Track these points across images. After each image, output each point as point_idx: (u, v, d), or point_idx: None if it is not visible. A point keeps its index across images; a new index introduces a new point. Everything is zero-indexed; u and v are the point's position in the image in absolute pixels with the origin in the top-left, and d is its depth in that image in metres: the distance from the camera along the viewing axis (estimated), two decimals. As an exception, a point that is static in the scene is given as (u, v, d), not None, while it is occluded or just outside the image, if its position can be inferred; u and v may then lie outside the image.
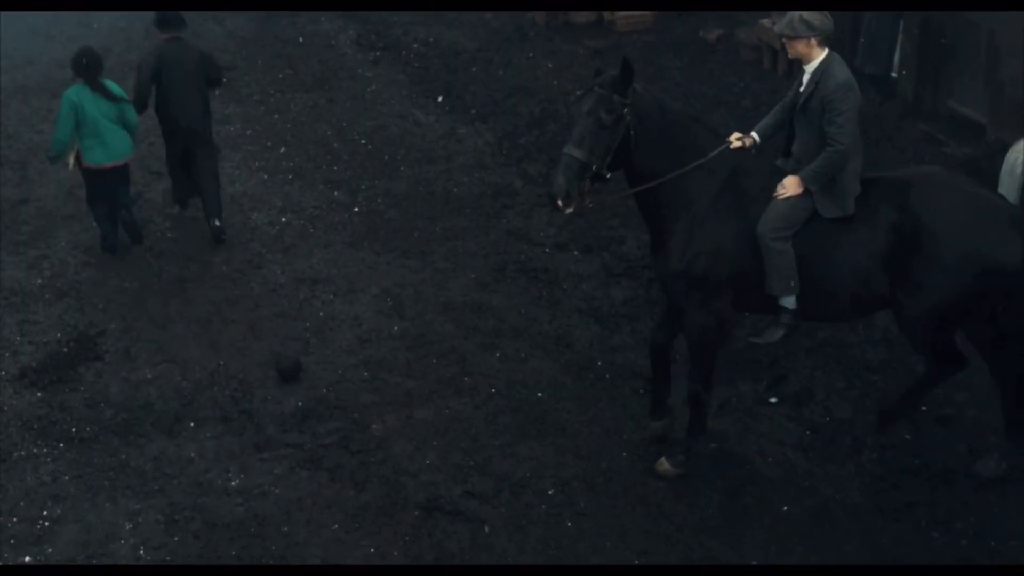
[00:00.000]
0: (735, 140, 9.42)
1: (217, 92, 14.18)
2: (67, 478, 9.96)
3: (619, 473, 9.86)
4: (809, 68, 9.35)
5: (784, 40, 9.45)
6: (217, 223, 12.94)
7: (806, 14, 9.27)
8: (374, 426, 10.41)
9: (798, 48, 9.32)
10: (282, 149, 15.13)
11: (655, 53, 16.99)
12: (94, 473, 10.01)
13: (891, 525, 9.33)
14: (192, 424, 10.51)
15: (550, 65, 17.00)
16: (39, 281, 12.50)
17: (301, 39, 18.51)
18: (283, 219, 13.53)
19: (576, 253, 12.77)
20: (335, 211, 13.74)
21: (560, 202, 8.88)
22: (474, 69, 17.14)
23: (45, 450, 10.26)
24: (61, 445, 10.31)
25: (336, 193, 14.11)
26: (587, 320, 11.70)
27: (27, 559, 9.19)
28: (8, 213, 13.73)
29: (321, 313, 11.94)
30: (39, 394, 10.90)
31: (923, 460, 9.86)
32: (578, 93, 9.23)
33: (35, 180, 14.46)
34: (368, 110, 16.20)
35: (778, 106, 9.78)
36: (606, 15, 17.75)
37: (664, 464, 9.84)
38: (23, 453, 10.23)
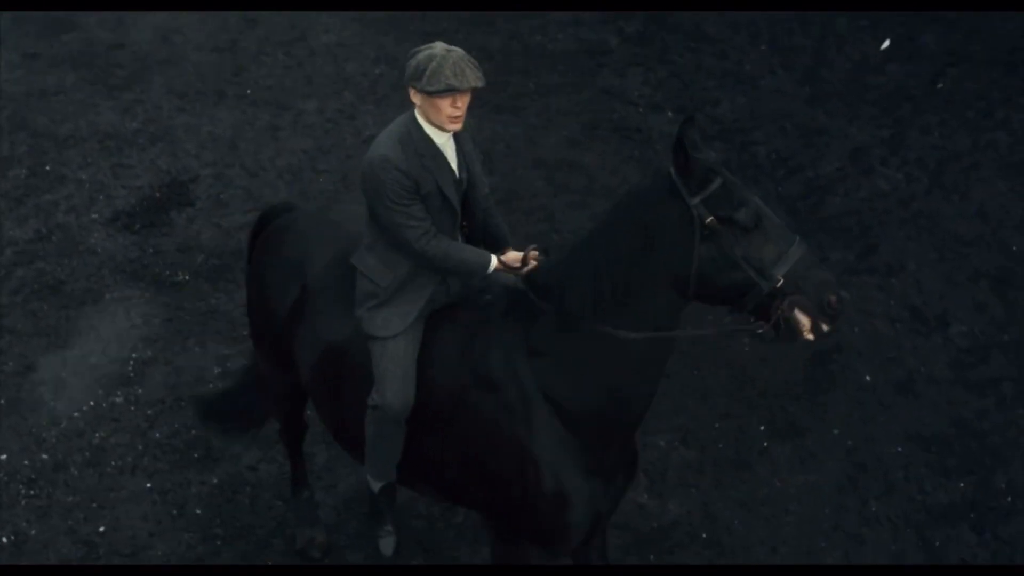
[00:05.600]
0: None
1: None
2: (158, 321, 10.13)
3: (706, 343, 9.80)
4: (449, 134, 6.91)
5: (458, 95, 6.72)
6: None
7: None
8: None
9: (466, 103, 6.72)
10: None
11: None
12: (185, 317, 10.17)
13: (976, 400, 9.27)
14: (281, 272, 10.59)
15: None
16: (133, 125, 12.58)
17: None
18: (376, 71, 13.47)
19: (670, 114, 12.59)
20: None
21: None
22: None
23: (137, 292, 10.43)
24: (153, 288, 10.48)
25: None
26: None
27: (119, 399, 9.39)
28: (103, 56, 13.79)
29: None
30: (132, 237, 11.04)
31: (1012, 336, 9.75)
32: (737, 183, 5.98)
33: (130, 24, 14.49)
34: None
35: (420, 206, 6.59)
36: None
37: None
38: (116, 295, 10.40)
